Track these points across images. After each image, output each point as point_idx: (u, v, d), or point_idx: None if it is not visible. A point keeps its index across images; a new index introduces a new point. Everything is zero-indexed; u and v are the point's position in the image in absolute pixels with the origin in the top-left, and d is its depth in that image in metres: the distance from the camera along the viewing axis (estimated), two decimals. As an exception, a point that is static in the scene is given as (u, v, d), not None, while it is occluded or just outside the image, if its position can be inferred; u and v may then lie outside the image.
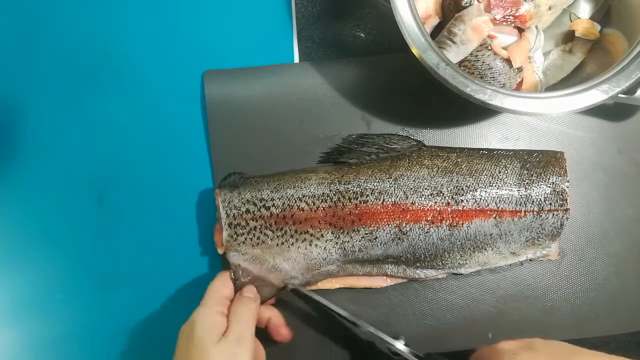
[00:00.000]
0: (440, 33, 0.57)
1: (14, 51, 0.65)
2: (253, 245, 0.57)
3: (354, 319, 0.56)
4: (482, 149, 0.59)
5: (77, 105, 0.64)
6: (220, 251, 0.57)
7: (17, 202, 0.63)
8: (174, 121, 0.64)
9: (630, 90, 0.52)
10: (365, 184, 0.56)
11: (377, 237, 0.55)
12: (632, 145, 0.62)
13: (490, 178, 0.56)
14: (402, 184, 0.56)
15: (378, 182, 0.56)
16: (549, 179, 0.56)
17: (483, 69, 0.56)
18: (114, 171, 0.63)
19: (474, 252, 0.56)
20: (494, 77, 0.56)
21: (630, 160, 0.62)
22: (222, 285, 0.54)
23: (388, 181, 0.56)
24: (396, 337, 0.55)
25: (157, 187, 0.63)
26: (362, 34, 0.65)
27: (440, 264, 0.57)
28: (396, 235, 0.55)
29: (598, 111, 0.62)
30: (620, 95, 0.51)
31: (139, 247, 0.62)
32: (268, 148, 0.62)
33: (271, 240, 0.56)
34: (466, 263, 0.57)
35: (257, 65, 0.64)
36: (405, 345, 0.55)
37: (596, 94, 0.51)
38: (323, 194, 0.56)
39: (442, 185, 0.56)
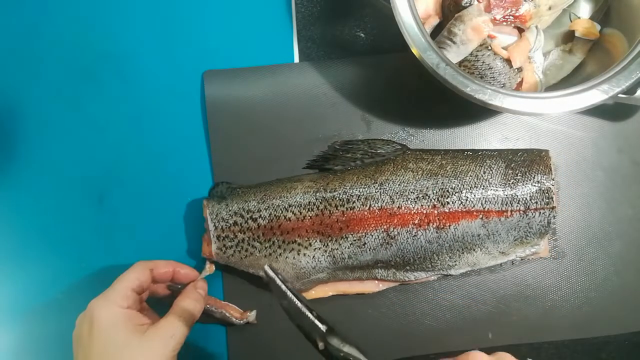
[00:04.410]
0: (440, 33, 0.57)
1: (14, 51, 0.65)
2: (242, 258, 0.57)
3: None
4: (467, 150, 0.59)
5: (77, 106, 0.64)
6: (208, 263, 0.58)
7: (17, 202, 0.63)
8: (174, 121, 0.64)
9: (630, 90, 0.52)
10: (351, 191, 0.56)
11: (365, 243, 0.55)
12: (632, 145, 0.62)
13: (475, 179, 0.56)
14: (387, 189, 0.56)
15: (364, 187, 0.56)
16: (534, 178, 0.56)
17: (483, 69, 0.56)
18: (114, 171, 0.63)
19: (463, 253, 0.56)
20: (494, 77, 0.56)
21: (630, 160, 0.62)
22: (134, 278, 0.51)
23: (374, 186, 0.56)
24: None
25: (157, 187, 0.63)
26: (362, 34, 0.65)
27: (429, 266, 0.57)
28: (384, 240, 0.55)
29: (598, 111, 0.62)
30: (620, 95, 0.51)
31: (139, 247, 0.62)
32: (268, 148, 0.62)
33: (259, 252, 0.57)
34: (456, 264, 0.57)
35: (257, 65, 0.64)
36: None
37: (596, 94, 0.51)
38: (309, 202, 0.56)
39: (427, 188, 0.56)
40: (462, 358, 0.47)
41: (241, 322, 0.58)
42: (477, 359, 0.47)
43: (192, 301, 0.52)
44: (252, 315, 0.59)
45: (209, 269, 0.58)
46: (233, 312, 0.58)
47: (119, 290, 0.50)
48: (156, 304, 0.56)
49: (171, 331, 0.48)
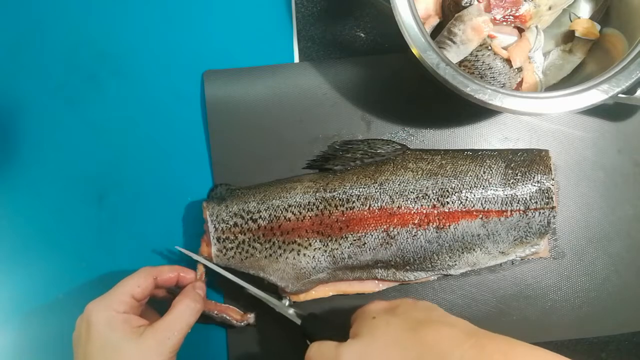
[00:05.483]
0: (440, 33, 0.57)
1: (14, 51, 0.65)
2: (242, 259, 0.57)
3: (240, 282, 0.57)
4: (467, 150, 0.59)
5: (77, 106, 0.64)
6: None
7: (16, 202, 0.63)
8: (174, 121, 0.64)
9: (630, 90, 0.52)
10: (351, 191, 0.56)
11: (365, 243, 0.55)
12: (632, 145, 0.62)
13: (475, 179, 0.56)
14: (387, 189, 0.56)
15: (364, 187, 0.56)
16: (534, 178, 0.56)
17: (483, 69, 0.56)
18: (114, 171, 0.63)
19: (463, 253, 0.56)
20: (494, 77, 0.56)
21: (630, 160, 0.62)
22: (135, 285, 0.51)
23: (374, 186, 0.56)
24: (281, 299, 0.58)
25: (157, 187, 0.63)
26: (362, 34, 0.65)
27: (429, 266, 0.57)
28: (384, 240, 0.55)
29: (598, 111, 0.62)
30: (620, 95, 0.51)
31: (139, 247, 0.62)
32: (268, 148, 0.62)
33: (259, 252, 0.56)
34: (455, 264, 0.57)
35: (257, 65, 0.64)
36: (290, 306, 0.57)
37: (596, 94, 0.51)
38: (309, 202, 0.56)
39: (427, 188, 0.56)
40: (361, 311, 0.50)
41: (241, 324, 0.58)
42: (375, 306, 0.49)
43: (190, 301, 0.51)
44: (252, 317, 0.59)
45: (200, 269, 0.57)
46: (233, 315, 0.58)
47: (117, 295, 0.50)
48: (157, 303, 0.56)
49: (168, 332, 0.48)
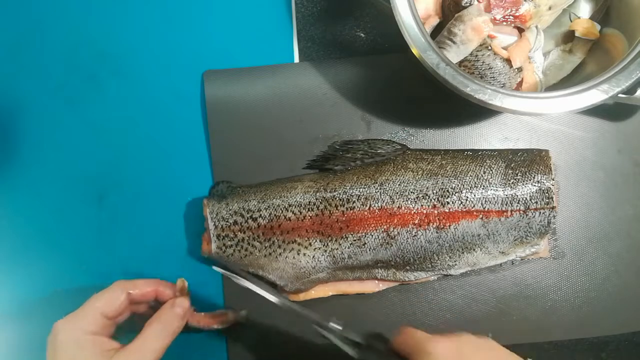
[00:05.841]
0: (440, 33, 0.57)
1: (14, 51, 0.65)
2: (242, 257, 0.57)
3: (276, 299, 0.52)
4: (467, 150, 0.59)
5: (77, 106, 0.64)
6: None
7: (16, 202, 0.63)
8: (174, 121, 0.64)
9: (630, 90, 0.52)
10: (352, 191, 0.56)
11: (365, 243, 0.55)
12: (632, 145, 0.62)
13: (475, 179, 0.56)
14: (388, 189, 0.56)
15: (364, 187, 0.56)
16: (534, 178, 0.56)
17: (483, 69, 0.56)
18: (114, 171, 0.63)
19: (463, 253, 0.56)
20: (494, 77, 0.56)
21: (630, 160, 0.62)
22: (107, 302, 0.47)
23: (374, 186, 0.56)
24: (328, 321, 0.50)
25: (157, 187, 0.63)
26: (362, 34, 0.65)
27: (429, 266, 0.57)
28: (384, 240, 0.55)
29: (598, 111, 0.62)
30: (620, 95, 0.51)
31: (139, 247, 0.62)
32: (268, 148, 0.62)
33: (259, 251, 0.56)
34: (455, 264, 0.57)
35: (257, 65, 0.64)
36: (342, 331, 0.49)
37: (596, 94, 0.51)
38: (309, 202, 0.56)
39: (427, 188, 0.56)
40: (420, 345, 0.44)
41: (232, 320, 0.57)
42: (437, 345, 0.43)
43: (164, 322, 0.48)
44: (243, 314, 0.57)
45: (179, 283, 0.53)
46: (227, 318, 0.57)
47: (87, 313, 0.47)
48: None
49: (140, 357, 0.45)
